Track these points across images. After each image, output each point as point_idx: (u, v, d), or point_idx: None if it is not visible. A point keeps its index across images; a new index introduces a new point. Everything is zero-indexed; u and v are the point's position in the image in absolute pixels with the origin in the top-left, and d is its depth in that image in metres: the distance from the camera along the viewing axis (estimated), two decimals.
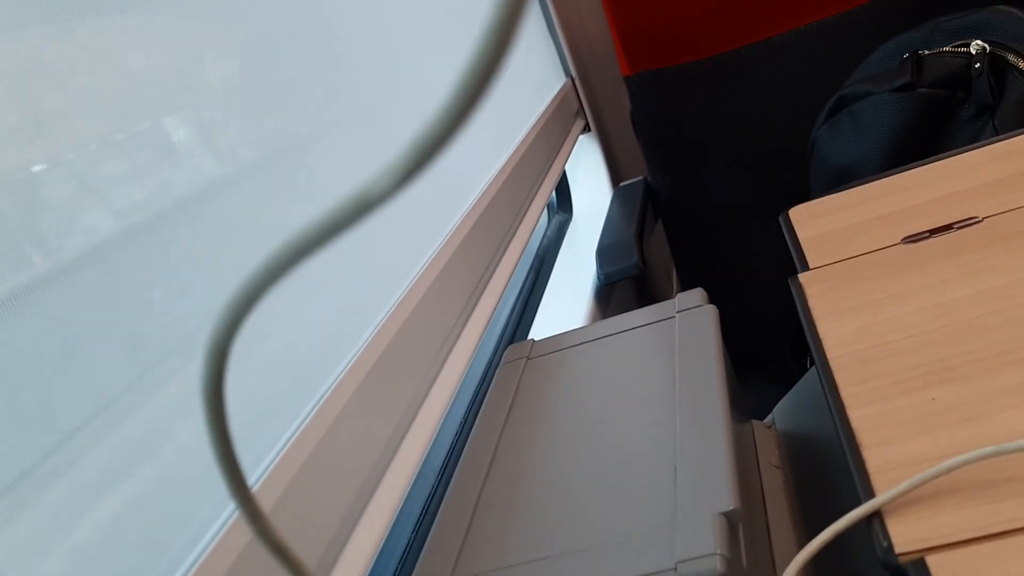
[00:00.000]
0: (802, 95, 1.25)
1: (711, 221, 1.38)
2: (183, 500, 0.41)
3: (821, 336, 0.52)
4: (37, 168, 0.37)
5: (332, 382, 0.55)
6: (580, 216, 1.44)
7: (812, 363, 0.92)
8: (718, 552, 0.40)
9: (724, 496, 0.44)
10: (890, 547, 0.35)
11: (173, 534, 0.39)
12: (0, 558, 0.31)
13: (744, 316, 1.39)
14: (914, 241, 0.58)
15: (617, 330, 0.69)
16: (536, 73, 1.28)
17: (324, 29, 0.66)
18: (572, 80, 1.49)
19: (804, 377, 0.69)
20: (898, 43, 0.99)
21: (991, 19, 0.90)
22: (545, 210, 1.36)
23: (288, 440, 0.49)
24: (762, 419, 0.71)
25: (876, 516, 0.37)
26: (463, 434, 0.80)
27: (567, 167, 1.47)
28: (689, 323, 0.64)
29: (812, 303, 0.55)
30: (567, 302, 1.09)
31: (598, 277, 1.12)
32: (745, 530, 0.46)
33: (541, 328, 1.02)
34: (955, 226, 0.58)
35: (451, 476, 0.59)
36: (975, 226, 0.57)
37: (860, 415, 0.43)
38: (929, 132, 0.90)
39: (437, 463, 0.77)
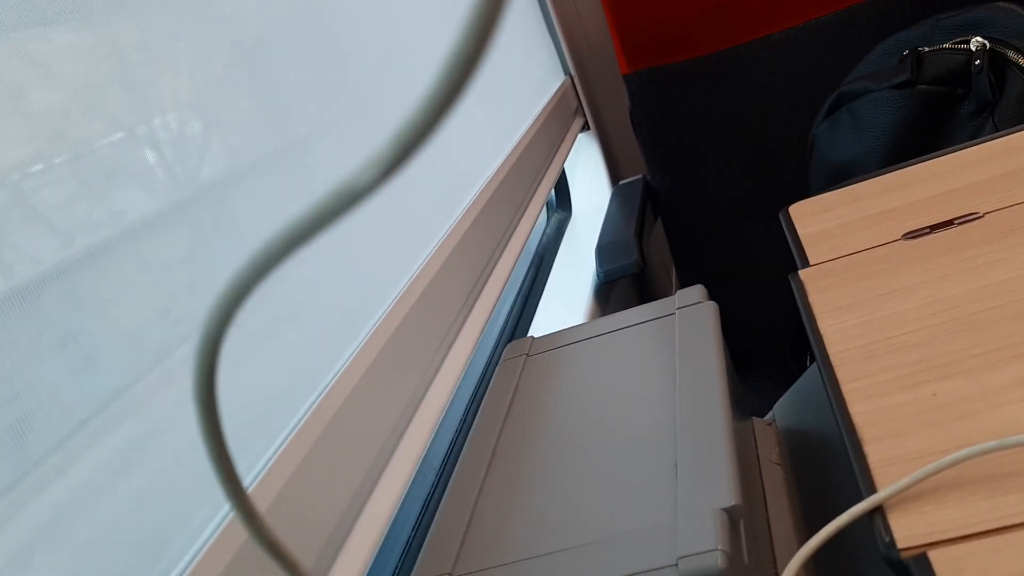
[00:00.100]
0: (801, 92, 1.25)
1: (710, 219, 1.38)
2: (181, 497, 0.40)
3: (822, 332, 0.51)
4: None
5: (331, 379, 0.54)
6: (579, 214, 1.44)
7: (812, 361, 0.92)
8: (719, 548, 0.40)
9: (725, 492, 0.44)
10: (892, 542, 0.35)
11: (171, 531, 0.39)
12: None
13: (744, 314, 1.39)
14: (915, 237, 0.58)
15: (617, 327, 0.69)
16: (535, 71, 1.28)
17: (324, 29, 0.66)
18: (571, 78, 1.49)
19: (804, 374, 0.69)
20: (898, 40, 0.99)
21: (991, 16, 0.90)
22: (544, 208, 1.36)
23: (287, 437, 0.49)
24: (762, 417, 0.70)
25: (878, 511, 0.37)
26: (463, 431, 0.80)
27: (566, 165, 1.47)
28: (689, 320, 0.64)
29: (813, 299, 0.55)
30: (566, 300, 1.09)
31: (598, 275, 1.12)
32: (746, 526, 0.46)
33: (541, 326, 1.02)
34: (956, 222, 0.58)
35: (451, 473, 0.59)
36: (976, 222, 0.57)
37: (861, 410, 0.43)
38: (929, 129, 0.90)
39: (437, 460, 0.76)
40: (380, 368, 0.58)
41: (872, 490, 0.38)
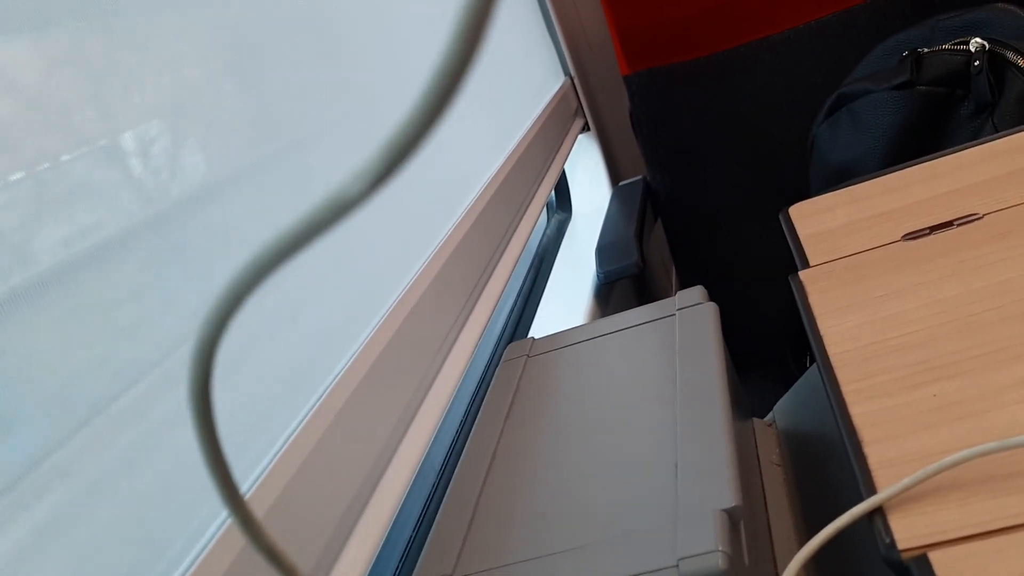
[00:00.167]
0: (801, 93, 1.25)
1: (710, 220, 1.38)
2: (181, 500, 0.41)
3: (822, 333, 0.51)
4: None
5: (331, 381, 0.54)
6: (579, 215, 1.44)
7: (812, 362, 0.92)
8: (720, 549, 0.40)
9: (725, 493, 0.44)
10: (893, 543, 0.35)
11: (171, 535, 0.39)
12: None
13: (743, 315, 1.39)
14: (915, 238, 0.58)
15: (618, 328, 0.69)
16: (535, 72, 1.28)
17: (325, 28, 0.66)
18: (571, 79, 1.49)
19: (804, 375, 0.69)
20: (897, 41, 0.99)
21: (990, 17, 0.90)
22: (544, 209, 1.36)
23: (287, 439, 0.49)
24: (762, 418, 0.71)
25: (879, 512, 0.37)
26: (463, 432, 0.80)
27: (566, 166, 1.47)
28: (689, 320, 0.64)
29: (813, 300, 0.55)
30: (567, 301, 1.09)
31: (598, 276, 1.12)
32: (746, 527, 0.46)
33: (541, 327, 1.02)
34: (956, 223, 0.58)
35: (451, 474, 0.59)
36: (976, 223, 0.57)
37: (861, 411, 0.43)
38: (928, 130, 0.90)
39: (437, 461, 0.77)
40: (381, 369, 0.58)
41: (872, 491, 0.38)
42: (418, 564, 0.50)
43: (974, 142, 0.68)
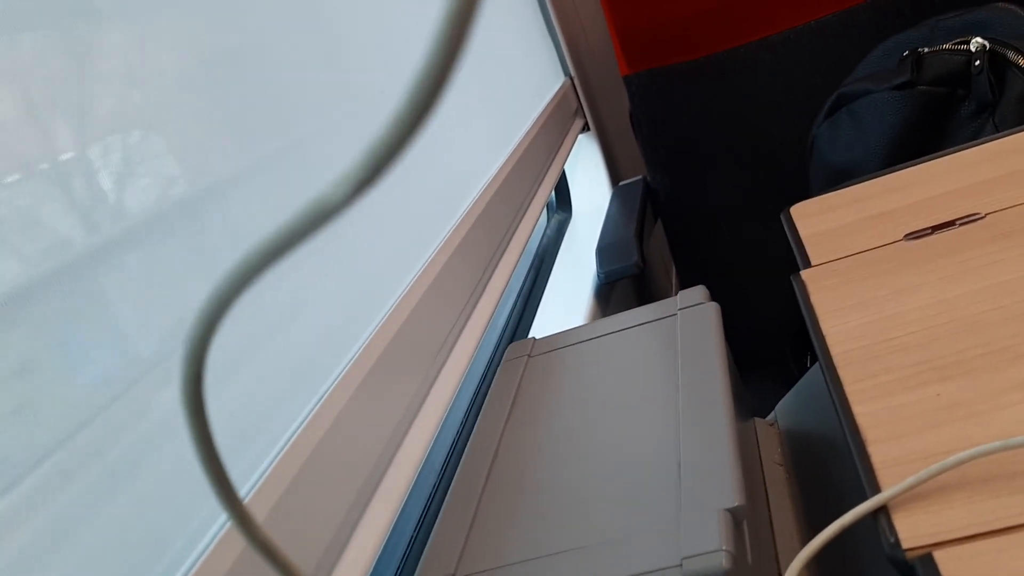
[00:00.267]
0: (801, 93, 1.25)
1: (710, 220, 1.38)
2: (182, 500, 0.40)
3: (824, 333, 0.51)
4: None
5: (332, 382, 0.54)
6: (579, 215, 1.44)
7: (812, 362, 0.91)
8: (723, 548, 0.40)
9: (728, 492, 0.44)
10: (897, 543, 0.35)
11: (173, 535, 0.39)
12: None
13: (743, 315, 1.39)
14: (916, 238, 0.58)
15: (619, 328, 0.69)
16: (535, 72, 1.28)
17: (325, 29, 0.66)
18: (571, 79, 1.49)
19: (806, 375, 0.69)
20: (897, 41, 0.99)
21: (991, 17, 0.90)
22: (544, 209, 1.36)
23: (288, 440, 0.49)
24: (764, 418, 0.70)
25: (883, 511, 0.37)
26: (465, 432, 0.80)
27: (566, 167, 1.47)
28: (691, 320, 0.64)
29: (815, 300, 0.55)
30: (567, 301, 1.09)
31: (598, 276, 1.12)
32: (749, 526, 0.46)
33: (541, 328, 1.02)
34: (957, 222, 0.58)
35: (453, 475, 0.59)
36: (978, 222, 0.57)
37: (865, 411, 0.43)
38: (929, 130, 0.90)
39: (439, 462, 0.76)
40: (382, 370, 0.58)
41: (876, 490, 0.38)
42: (420, 563, 0.50)
43: (975, 142, 0.68)
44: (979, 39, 0.86)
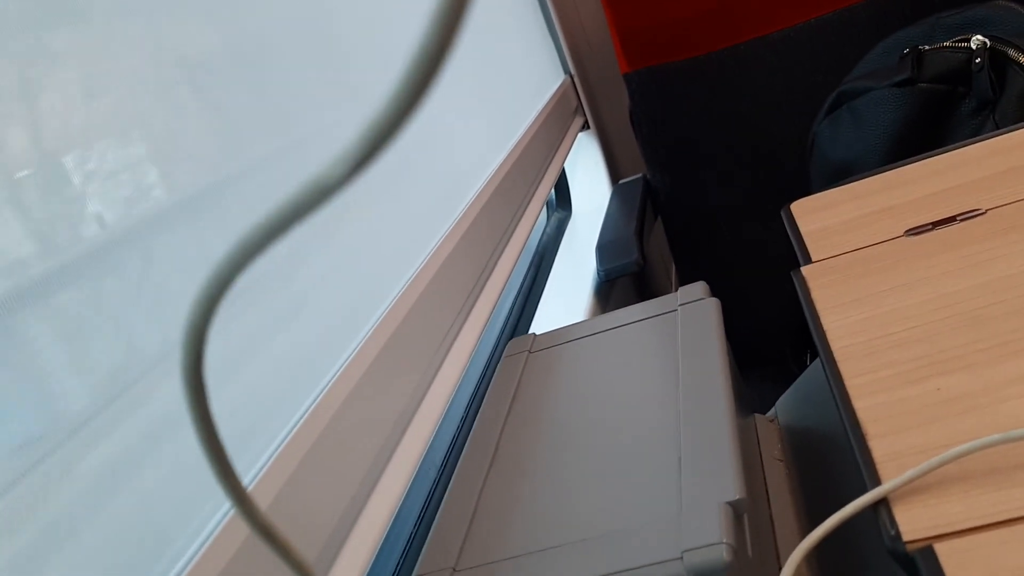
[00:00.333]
0: (801, 91, 1.25)
1: (710, 218, 1.39)
2: (185, 492, 0.40)
3: (825, 328, 0.52)
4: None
5: (333, 375, 0.54)
6: (579, 214, 1.44)
7: (811, 359, 0.91)
8: (724, 541, 0.40)
9: (729, 486, 0.44)
10: (898, 535, 0.35)
11: (176, 526, 0.39)
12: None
13: (743, 313, 1.39)
14: (917, 233, 0.58)
15: (619, 323, 0.69)
16: (534, 70, 1.28)
17: (324, 28, 0.66)
18: (571, 77, 1.49)
19: (806, 371, 0.69)
20: (898, 39, 1.00)
21: (991, 14, 0.90)
22: (544, 207, 1.36)
23: (289, 433, 0.49)
24: (764, 414, 0.71)
25: (883, 504, 0.37)
26: (465, 428, 0.80)
27: (566, 165, 1.47)
28: (692, 316, 0.64)
29: (815, 295, 0.55)
30: (567, 299, 1.09)
31: (598, 274, 1.12)
32: (750, 520, 0.46)
33: (541, 325, 1.02)
34: (958, 218, 0.58)
35: (453, 469, 0.59)
36: (978, 218, 0.57)
37: (865, 405, 0.43)
38: (930, 127, 0.90)
39: (439, 456, 0.77)
40: (382, 365, 0.58)
41: (877, 483, 0.38)
42: (421, 556, 0.50)
43: (976, 139, 0.68)
44: (980, 37, 0.86)
